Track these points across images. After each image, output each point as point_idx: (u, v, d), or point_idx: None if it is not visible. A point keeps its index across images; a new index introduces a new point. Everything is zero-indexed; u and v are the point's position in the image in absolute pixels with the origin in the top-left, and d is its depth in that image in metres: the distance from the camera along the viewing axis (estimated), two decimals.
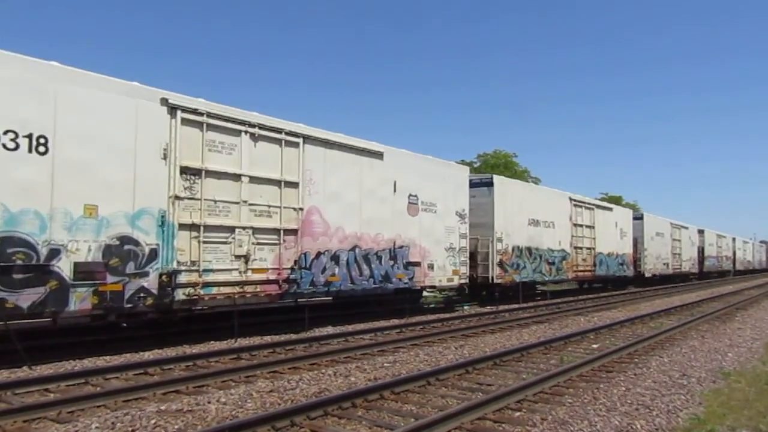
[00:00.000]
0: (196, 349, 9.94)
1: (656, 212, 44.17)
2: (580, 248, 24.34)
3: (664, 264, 35.42)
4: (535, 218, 20.89)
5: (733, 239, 56.63)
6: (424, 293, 17.44)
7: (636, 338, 11.51)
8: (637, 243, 31.48)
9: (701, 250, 44.47)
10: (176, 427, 5.53)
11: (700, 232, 44.82)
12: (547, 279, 21.85)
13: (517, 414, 6.28)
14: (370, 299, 14.79)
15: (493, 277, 18.60)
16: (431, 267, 15.69)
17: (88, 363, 8.56)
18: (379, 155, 14.20)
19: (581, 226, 24.51)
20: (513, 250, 19.67)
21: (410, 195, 15.12)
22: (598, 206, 27.14)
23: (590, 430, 5.71)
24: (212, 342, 10.62)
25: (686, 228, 40.29)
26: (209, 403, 6.38)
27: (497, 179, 19.59)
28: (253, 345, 10.16)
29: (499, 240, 19.00)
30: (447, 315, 15.72)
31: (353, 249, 13.30)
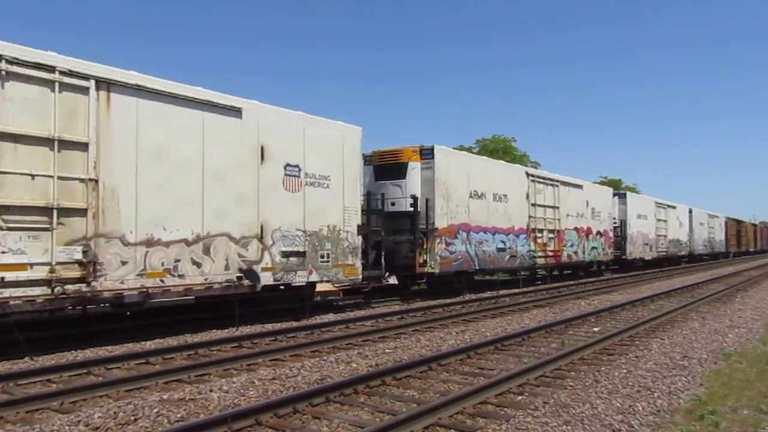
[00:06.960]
0: (197, 337, 9.97)
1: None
2: (661, 236, 35.83)
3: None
4: (642, 216, 32.57)
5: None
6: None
7: (637, 321, 11.54)
8: None
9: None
10: (179, 415, 5.54)
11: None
12: (648, 256, 33.42)
13: (519, 398, 6.29)
14: (584, 266, 26.41)
15: (628, 253, 30.62)
16: (602, 249, 27.20)
17: (90, 353, 8.59)
18: (580, 186, 25.50)
19: (662, 221, 36.06)
20: (636, 236, 31.59)
21: (593, 209, 26.34)
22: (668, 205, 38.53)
23: (592, 412, 5.72)
24: (214, 330, 10.64)
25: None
26: (211, 391, 6.39)
27: (630, 195, 32.84)
28: (254, 333, 10.19)
29: (628, 232, 30.83)
30: (448, 300, 15.77)
31: (579, 240, 24.68)
